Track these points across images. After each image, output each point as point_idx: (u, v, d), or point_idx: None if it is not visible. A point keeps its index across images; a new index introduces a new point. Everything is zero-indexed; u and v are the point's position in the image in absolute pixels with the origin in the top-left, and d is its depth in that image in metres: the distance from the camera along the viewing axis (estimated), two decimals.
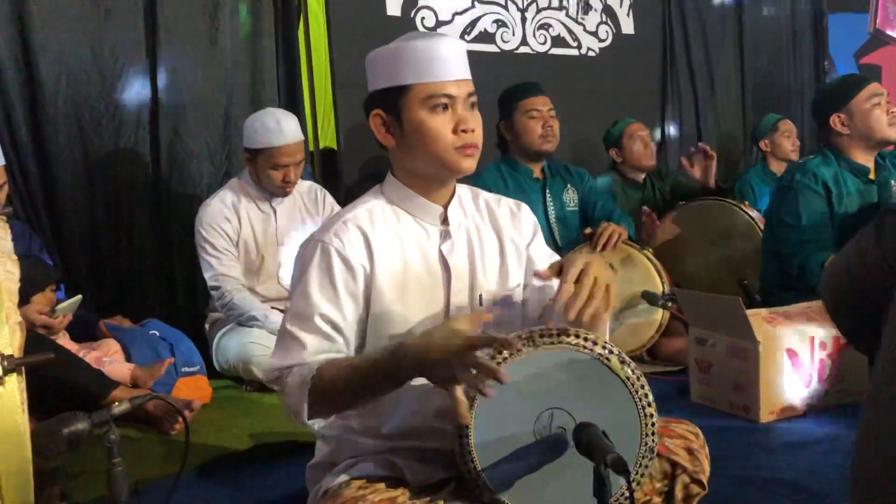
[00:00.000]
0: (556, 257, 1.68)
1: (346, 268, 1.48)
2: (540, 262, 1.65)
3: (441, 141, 1.48)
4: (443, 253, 1.55)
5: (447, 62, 1.49)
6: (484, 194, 1.68)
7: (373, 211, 1.55)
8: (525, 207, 1.70)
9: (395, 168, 1.59)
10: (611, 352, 1.36)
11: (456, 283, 1.55)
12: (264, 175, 3.15)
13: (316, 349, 1.44)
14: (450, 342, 1.26)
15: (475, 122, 1.51)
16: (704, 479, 1.55)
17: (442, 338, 1.28)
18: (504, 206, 1.68)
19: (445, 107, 1.48)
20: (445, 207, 1.57)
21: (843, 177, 2.97)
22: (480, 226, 1.62)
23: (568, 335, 1.36)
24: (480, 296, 1.58)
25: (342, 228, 1.51)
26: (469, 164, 1.51)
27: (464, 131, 1.48)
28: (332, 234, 1.50)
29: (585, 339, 1.36)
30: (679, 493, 1.52)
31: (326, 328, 1.46)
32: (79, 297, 2.66)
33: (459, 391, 1.27)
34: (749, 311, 2.55)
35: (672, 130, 5.19)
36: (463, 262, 1.57)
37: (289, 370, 1.43)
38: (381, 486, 1.45)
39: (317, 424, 1.45)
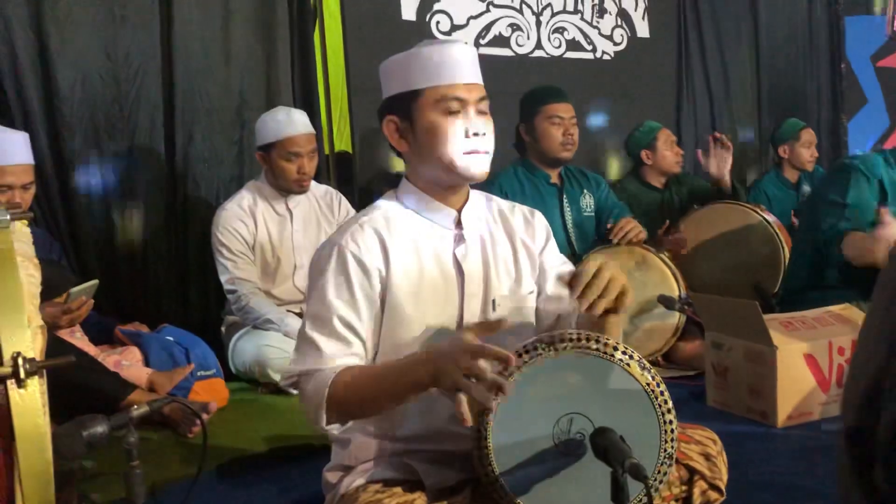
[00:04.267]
0: (569, 264, 1.69)
1: (361, 270, 1.49)
2: (553, 269, 1.66)
3: (452, 143, 1.49)
4: (457, 257, 1.56)
5: (458, 66, 1.50)
6: (497, 200, 1.69)
7: (388, 214, 1.56)
8: (539, 214, 1.71)
9: (409, 173, 1.60)
10: (631, 357, 1.36)
11: (470, 287, 1.56)
12: (279, 170, 3.17)
13: (333, 353, 1.45)
14: (453, 350, 1.26)
15: (487, 127, 1.52)
16: (722, 486, 1.54)
17: (447, 345, 1.28)
18: (518, 212, 1.69)
19: (458, 110, 1.49)
20: (460, 211, 1.58)
21: None
22: (494, 231, 1.63)
23: (589, 340, 1.35)
24: (494, 300, 1.58)
25: (358, 231, 1.52)
26: (479, 171, 1.52)
27: (475, 134, 1.49)
28: (348, 237, 1.51)
29: (606, 345, 1.35)
30: (697, 499, 1.52)
31: (343, 331, 1.47)
32: (95, 281, 2.62)
33: (461, 394, 1.26)
34: (766, 316, 2.53)
35: (687, 134, 5.16)
36: (477, 267, 1.58)
37: (307, 375, 1.44)
38: (398, 489, 1.45)
39: (335, 429, 1.46)
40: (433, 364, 1.29)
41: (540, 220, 1.70)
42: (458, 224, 1.58)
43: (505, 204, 1.69)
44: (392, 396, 1.40)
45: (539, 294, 1.66)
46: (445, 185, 1.56)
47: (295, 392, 1.50)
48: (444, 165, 1.51)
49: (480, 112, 1.52)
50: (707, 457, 1.54)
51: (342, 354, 1.46)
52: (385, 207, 1.58)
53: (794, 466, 2.19)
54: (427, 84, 1.49)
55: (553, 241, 1.70)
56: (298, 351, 1.49)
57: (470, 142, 1.49)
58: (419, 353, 1.35)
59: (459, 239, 1.57)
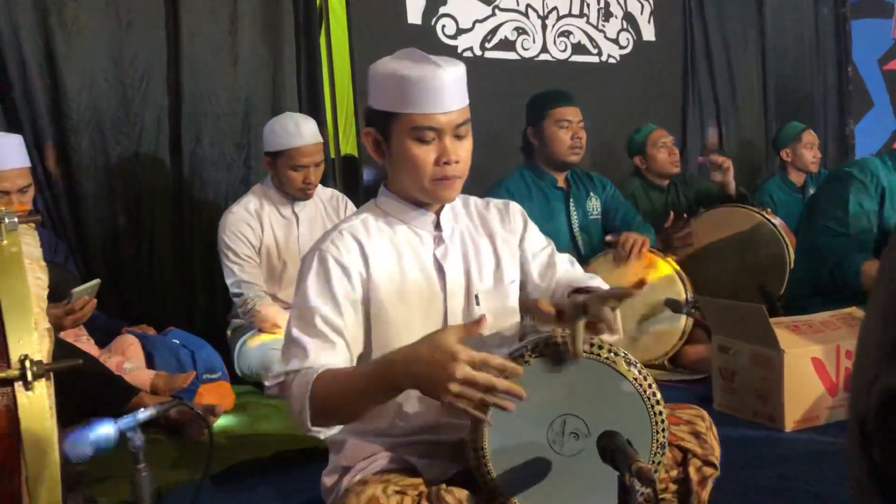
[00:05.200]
0: (552, 246, 1.74)
1: (343, 273, 1.52)
2: (534, 255, 1.70)
3: (421, 172, 1.51)
4: (437, 258, 1.60)
5: (439, 94, 1.49)
6: (473, 199, 1.73)
7: (367, 221, 1.60)
8: (513, 205, 1.75)
9: (387, 180, 1.63)
10: (616, 354, 1.39)
11: (451, 285, 1.60)
12: (285, 177, 3.18)
13: (317, 353, 1.46)
14: (444, 359, 1.24)
15: (460, 152, 1.53)
16: (716, 460, 1.59)
17: (433, 350, 1.27)
18: (493, 207, 1.73)
19: (432, 139, 1.51)
20: (437, 214, 1.61)
21: None
22: (472, 230, 1.67)
23: None
24: (476, 296, 1.61)
25: (338, 237, 1.55)
26: (448, 195, 1.56)
27: (446, 163, 1.51)
28: (328, 242, 1.55)
29: (591, 345, 1.38)
30: (693, 476, 1.56)
31: (326, 330, 1.48)
32: (97, 280, 2.59)
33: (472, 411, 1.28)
34: (773, 320, 2.53)
35: (693, 138, 5.16)
36: (457, 266, 1.61)
37: (293, 375, 1.44)
38: (401, 475, 1.48)
39: (321, 434, 1.45)
40: (416, 371, 1.28)
41: (515, 209, 1.74)
42: (437, 226, 1.61)
43: (480, 201, 1.74)
44: (371, 399, 1.39)
45: (525, 281, 1.69)
46: (418, 200, 1.60)
47: (280, 394, 1.49)
48: (414, 189, 1.56)
49: (457, 136, 1.53)
50: (697, 435, 1.58)
51: (326, 354, 1.47)
52: (363, 215, 1.61)
53: (802, 471, 2.18)
54: (405, 110, 1.49)
55: (531, 226, 1.73)
56: (284, 353, 1.50)
57: (440, 169, 1.51)
58: (396, 354, 1.33)
59: (439, 240, 1.61)
